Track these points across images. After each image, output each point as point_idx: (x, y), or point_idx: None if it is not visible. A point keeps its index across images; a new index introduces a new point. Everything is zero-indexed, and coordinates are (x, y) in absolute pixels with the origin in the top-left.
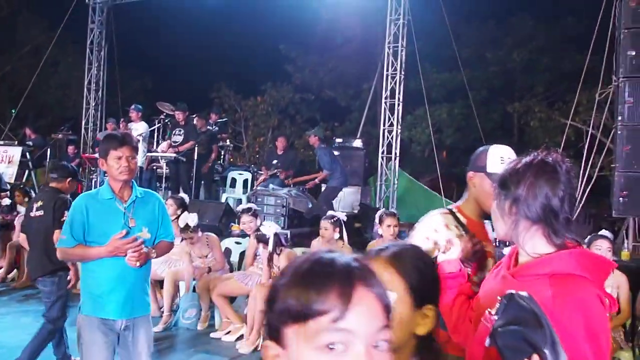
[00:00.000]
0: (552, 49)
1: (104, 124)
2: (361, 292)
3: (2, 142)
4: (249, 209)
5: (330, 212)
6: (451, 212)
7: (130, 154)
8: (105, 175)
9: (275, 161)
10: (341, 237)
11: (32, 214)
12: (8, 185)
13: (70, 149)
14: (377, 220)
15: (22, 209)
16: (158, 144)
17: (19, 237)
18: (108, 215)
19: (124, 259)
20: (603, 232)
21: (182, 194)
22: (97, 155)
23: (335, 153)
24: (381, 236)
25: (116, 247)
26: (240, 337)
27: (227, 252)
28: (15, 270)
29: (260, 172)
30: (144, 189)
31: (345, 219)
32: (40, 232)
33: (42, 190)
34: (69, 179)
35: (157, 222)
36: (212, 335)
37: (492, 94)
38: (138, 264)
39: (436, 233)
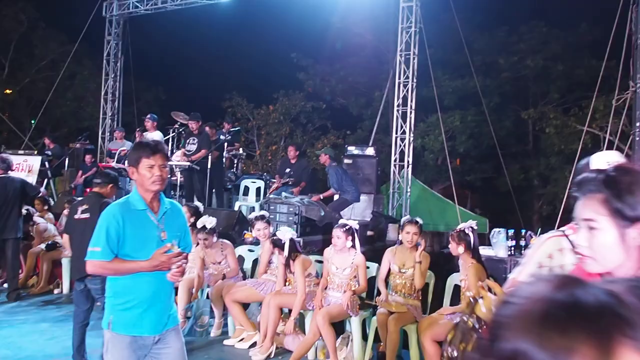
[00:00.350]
0: (567, 56)
1: (123, 134)
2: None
3: (22, 152)
4: (262, 216)
5: (342, 221)
6: (565, 235)
7: (163, 162)
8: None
9: (288, 170)
10: (353, 246)
11: (76, 217)
12: (41, 189)
13: (88, 158)
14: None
15: (38, 219)
16: (172, 153)
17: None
18: (143, 227)
19: (159, 274)
20: None
21: (196, 202)
22: (113, 163)
23: (348, 161)
24: (401, 242)
25: (162, 262)
26: (254, 345)
27: (240, 260)
28: (34, 277)
29: (273, 180)
30: (169, 200)
31: (357, 227)
32: (86, 233)
33: (86, 196)
34: (110, 185)
35: (183, 234)
36: (225, 342)
37: (505, 101)
38: (180, 279)
39: (550, 260)
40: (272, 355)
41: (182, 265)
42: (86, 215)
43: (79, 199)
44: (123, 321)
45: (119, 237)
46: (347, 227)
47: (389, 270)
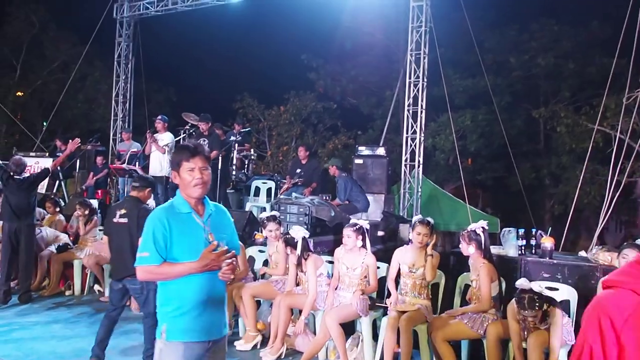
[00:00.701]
0: (578, 54)
1: (130, 135)
2: None
3: (33, 154)
4: (273, 217)
5: (353, 220)
6: None
7: (203, 164)
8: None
9: (299, 170)
10: (364, 245)
11: (115, 220)
12: (49, 167)
13: (99, 159)
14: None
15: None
16: None
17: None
18: (189, 230)
19: (210, 274)
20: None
21: None
22: (124, 165)
23: (358, 162)
24: (411, 242)
25: (211, 260)
26: (255, 346)
27: (251, 261)
28: (46, 279)
29: (283, 180)
30: (213, 202)
31: (368, 227)
32: (125, 237)
33: (124, 199)
34: (148, 189)
35: (230, 235)
36: (236, 344)
37: (517, 100)
38: (232, 277)
39: None
40: (283, 356)
41: (233, 263)
42: (124, 220)
43: (118, 202)
44: (177, 328)
45: (166, 241)
46: (357, 227)
47: (399, 270)
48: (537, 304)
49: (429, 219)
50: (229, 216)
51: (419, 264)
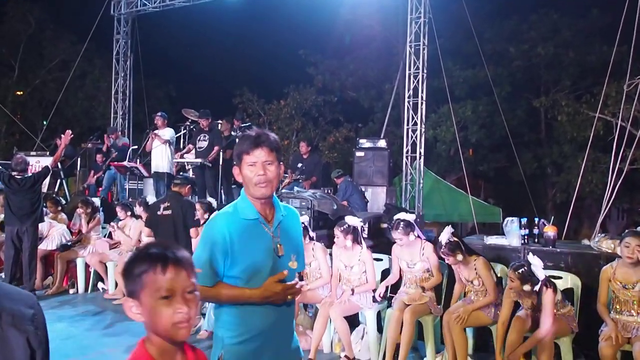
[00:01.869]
0: (578, 42)
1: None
2: None
3: (34, 153)
4: None
5: (342, 220)
6: None
7: (268, 157)
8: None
9: (300, 165)
10: (358, 242)
11: (159, 213)
12: (49, 165)
13: (99, 157)
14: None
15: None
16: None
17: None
18: (255, 241)
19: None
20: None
21: (209, 199)
22: (125, 162)
23: (360, 154)
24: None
25: (275, 294)
26: None
27: None
28: (50, 277)
29: (285, 175)
30: (284, 204)
31: (360, 225)
32: (169, 228)
33: (167, 195)
34: (188, 186)
35: (300, 247)
36: None
37: (517, 89)
38: (298, 296)
39: None
40: None
41: (300, 289)
42: (168, 212)
43: (160, 198)
44: (236, 358)
45: (225, 256)
46: (345, 227)
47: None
48: (531, 280)
49: (404, 218)
50: (299, 221)
51: (417, 259)
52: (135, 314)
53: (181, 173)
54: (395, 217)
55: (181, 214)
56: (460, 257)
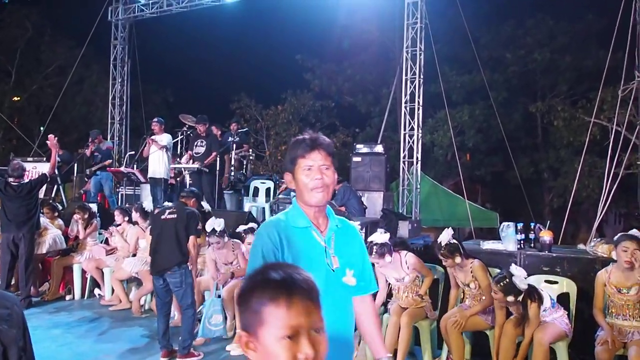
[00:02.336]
0: (574, 48)
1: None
2: None
3: (31, 159)
4: (252, 229)
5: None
6: None
7: (325, 161)
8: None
9: None
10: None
11: (163, 217)
12: (46, 172)
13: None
14: None
15: (47, 224)
16: (181, 155)
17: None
18: (307, 251)
19: (334, 306)
20: (633, 231)
21: (204, 204)
22: (122, 168)
23: (357, 159)
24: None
25: None
26: None
27: None
28: (46, 284)
29: (282, 180)
30: (339, 217)
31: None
32: (170, 231)
33: (174, 204)
34: (193, 199)
35: (361, 263)
36: (227, 347)
37: (513, 95)
38: None
39: None
40: None
41: None
42: (172, 215)
43: (166, 205)
44: None
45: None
46: (377, 247)
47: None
48: (514, 291)
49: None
50: (359, 238)
51: (402, 274)
52: (249, 352)
53: (188, 187)
54: (369, 239)
55: (185, 220)
56: (458, 259)
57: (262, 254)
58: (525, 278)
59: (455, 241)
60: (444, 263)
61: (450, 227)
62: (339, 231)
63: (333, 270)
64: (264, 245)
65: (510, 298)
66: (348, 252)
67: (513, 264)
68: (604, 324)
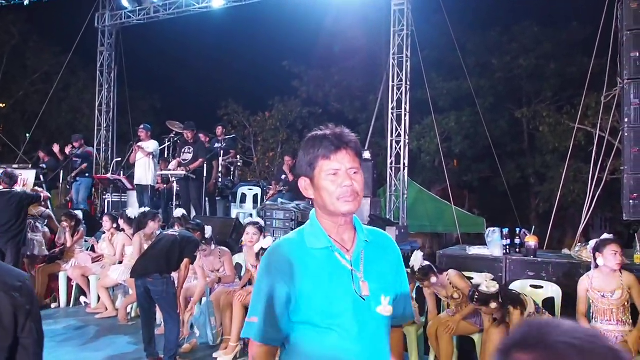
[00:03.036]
0: (559, 54)
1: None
2: None
3: (16, 166)
4: (256, 223)
5: None
6: None
7: (354, 164)
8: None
9: (284, 177)
10: None
11: (166, 232)
12: (41, 193)
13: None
14: None
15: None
16: (169, 162)
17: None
18: (328, 277)
19: (370, 339)
20: (608, 236)
21: (192, 211)
22: (109, 175)
23: None
24: None
25: None
26: (235, 357)
27: (238, 268)
28: None
29: (270, 187)
30: (368, 226)
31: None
32: (167, 244)
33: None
34: (199, 232)
35: (398, 285)
36: (215, 355)
37: (500, 101)
38: None
39: None
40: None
41: None
42: (175, 233)
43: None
44: None
45: (289, 299)
46: None
47: None
48: (490, 298)
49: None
50: (396, 251)
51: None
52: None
53: (175, 194)
54: (411, 264)
55: (185, 241)
56: (434, 279)
57: (268, 286)
58: (493, 280)
59: (427, 263)
60: (421, 285)
61: (418, 250)
62: (369, 247)
63: (363, 299)
64: (271, 275)
65: (493, 305)
66: (382, 273)
67: (475, 275)
68: None
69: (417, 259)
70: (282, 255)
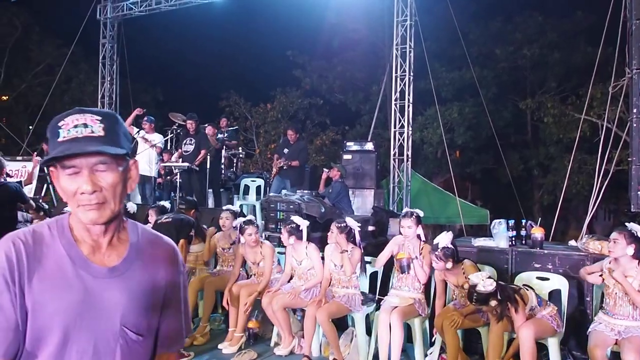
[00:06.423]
0: (563, 44)
1: None
2: None
3: (20, 158)
4: (250, 221)
5: (341, 219)
6: None
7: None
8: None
9: (286, 150)
10: (353, 242)
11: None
12: (31, 202)
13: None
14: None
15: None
16: (172, 154)
17: None
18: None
19: None
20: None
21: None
22: None
23: (347, 157)
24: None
25: None
26: (240, 348)
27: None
28: None
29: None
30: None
31: (356, 226)
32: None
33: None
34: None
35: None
36: (219, 346)
37: (503, 91)
38: None
39: None
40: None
41: None
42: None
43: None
44: None
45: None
46: (343, 225)
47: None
48: (489, 296)
49: (417, 210)
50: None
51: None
52: None
53: (178, 186)
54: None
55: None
56: (450, 265)
57: None
58: (489, 278)
59: (452, 246)
60: (434, 266)
61: (450, 232)
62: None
63: None
64: None
65: (493, 302)
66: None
67: (471, 275)
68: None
69: (444, 238)
70: None
